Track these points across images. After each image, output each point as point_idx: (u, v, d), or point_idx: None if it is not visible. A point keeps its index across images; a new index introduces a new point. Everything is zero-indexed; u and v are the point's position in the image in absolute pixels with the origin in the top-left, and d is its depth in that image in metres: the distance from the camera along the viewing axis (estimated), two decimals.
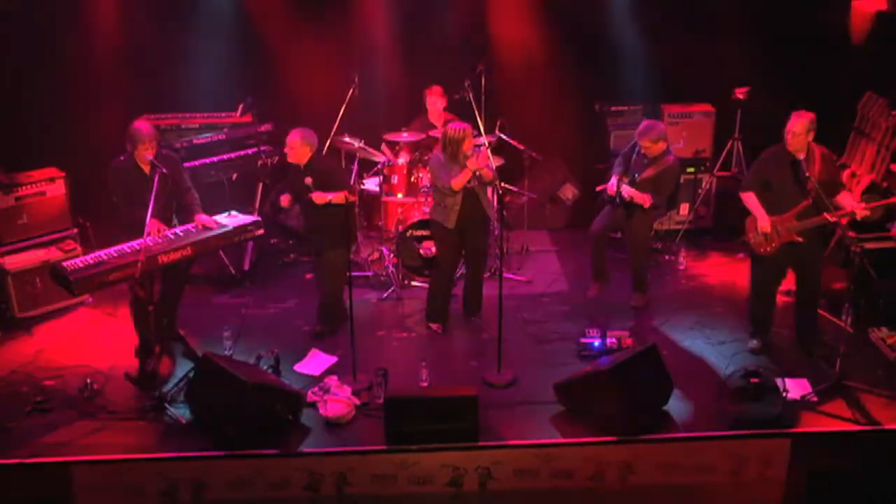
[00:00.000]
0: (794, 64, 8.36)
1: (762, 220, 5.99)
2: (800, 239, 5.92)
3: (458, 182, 6.34)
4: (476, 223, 6.55)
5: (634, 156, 6.81)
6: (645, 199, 6.59)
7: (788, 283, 6.54)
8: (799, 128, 5.80)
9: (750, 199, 6.08)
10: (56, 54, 8.13)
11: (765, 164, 6.03)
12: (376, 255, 7.84)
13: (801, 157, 5.80)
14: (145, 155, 5.90)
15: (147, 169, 5.96)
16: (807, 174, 5.75)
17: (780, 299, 6.73)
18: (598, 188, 6.94)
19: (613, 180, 6.78)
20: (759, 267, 6.19)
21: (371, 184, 7.86)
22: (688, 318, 6.88)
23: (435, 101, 7.96)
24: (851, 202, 5.89)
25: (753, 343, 6.33)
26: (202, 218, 6.12)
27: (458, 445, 5.33)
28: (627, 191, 6.64)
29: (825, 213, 5.79)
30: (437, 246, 6.79)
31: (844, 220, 5.86)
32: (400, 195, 7.64)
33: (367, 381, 5.90)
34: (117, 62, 8.23)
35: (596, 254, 7.09)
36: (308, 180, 6.21)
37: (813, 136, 5.88)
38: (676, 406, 5.66)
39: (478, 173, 6.33)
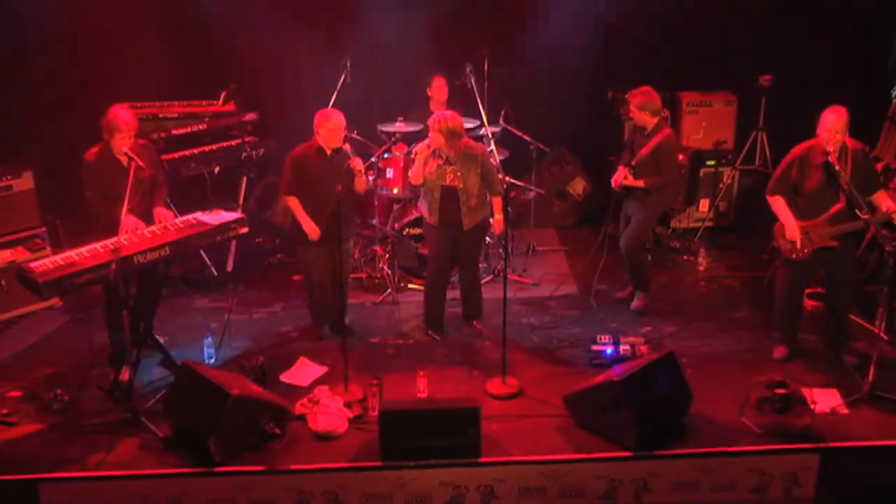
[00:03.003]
0: (822, 48, 8.36)
1: (791, 229, 5.96)
2: (834, 244, 5.92)
3: (413, 175, 6.46)
4: (461, 228, 6.53)
5: (635, 139, 6.86)
6: (638, 182, 6.65)
7: (816, 285, 6.52)
8: (839, 125, 5.74)
9: (777, 204, 6.05)
10: (22, 38, 8.13)
11: (793, 165, 5.99)
12: (370, 255, 7.84)
13: (833, 155, 5.76)
14: (124, 145, 5.88)
15: (125, 161, 5.95)
16: (838, 169, 5.73)
17: (808, 303, 6.73)
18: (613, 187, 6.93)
19: (620, 170, 6.81)
20: (788, 270, 6.17)
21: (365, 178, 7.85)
22: (708, 323, 6.88)
23: (438, 89, 7.96)
24: (889, 203, 5.86)
25: (779, 351, 6.32)
26: (160, 212, 6.10)
27: (458, 462, 5.32)
28: (620, 176, 6.72)
29: (860, 213, 5.76)
30: (427, 241, 6.83)
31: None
32: (396, 190, 7.64)
33: (361, 392, 5.89)
34: (88, 46, 8.22)
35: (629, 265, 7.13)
36: (347, 146, 6.24)
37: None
38: (695, 419, 5.65)
39: (435, 153, 6.38)
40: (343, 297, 6.53)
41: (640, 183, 6.69)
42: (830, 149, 5.74)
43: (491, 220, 6.72)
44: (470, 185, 6.42)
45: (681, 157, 8.10)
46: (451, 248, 6.64)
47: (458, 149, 6.36)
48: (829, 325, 6.34)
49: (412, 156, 6.45)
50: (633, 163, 6.72)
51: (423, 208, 6.65)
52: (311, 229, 6.26)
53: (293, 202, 6.30)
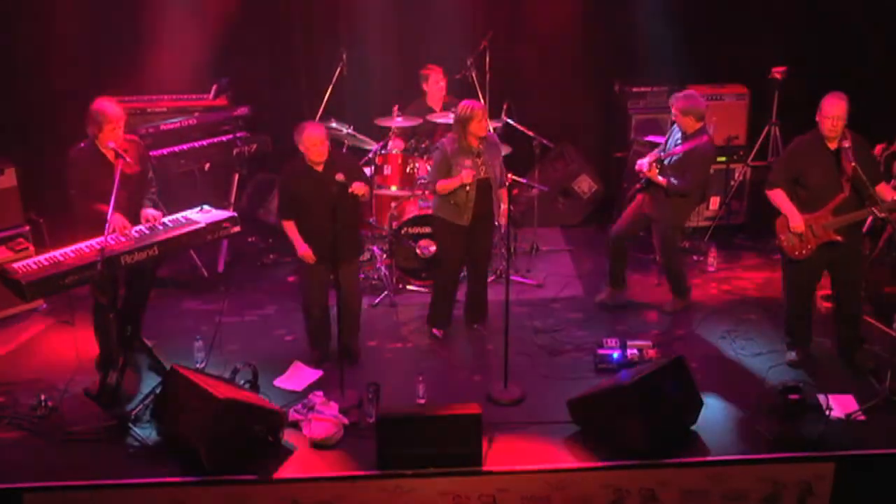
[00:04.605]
0: (836, 39, 8.35)
1: (794, 220, 5.97)
2: (839, 238, 5.92)
3: (444, 187, 6.39)
4: (484, 220, 6.57)
5: (671, 135, 6.88)
6: (661, 180, 6.65)
7: (826, 286, 6.53)
8: (842, 111, 5.77)
9: (778, 197, 6.06)
10: (4, 32, 8.12)
11: (795, 157, 6.02)
12: (367, 255, 7.84)
13: (847, 144, 5.78)
14: (111, 139, 5.87)
15: (111, 157, 5.94)
16: (853, 163, 5.73)
17: (823, 305, 6.74)
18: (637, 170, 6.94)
19: (647, 159, 6.81)
20: (795, 271, 6.17)
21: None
22: (718, 327, 6.88)
23: (436, 82, 7.97)
24: (893, 193, 5.88)
25: (792, 355, 6.32)
26: (148, 210, 6.10)
27: (459, 470, 5.32)
28: (641, 164, 6.72)
29: (875, 209, 5.77)
30: (441, 243, 6.79)
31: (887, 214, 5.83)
32: (394, 188, 7.65)
33: (357, 398, 5.90)
34: (73, 37, 8.21)
35: (614, 258, 7.13)
36: (340, 176, 5.87)
37: None
38: (706, 426, 5.65)
39: (468, 188, 6.36)
40: (350, 322, 6.36)
41: (663, 181, 6.65)
42: (833, 136, 5.77)
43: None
44: (497, 173, 6.48)
45: None
46: (465, 250, 6.63)
47: (486, 136, 6.42)
48: (842, 329, 6.33)
49: (466, 187, 6.33)
50: (662, 158, 6.72)
51: (445, 210, 6.54)
52: (305, 253, 6.15)
53: (288, 226, 6.18)
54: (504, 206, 6.52)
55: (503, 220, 6.57)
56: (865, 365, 6.18)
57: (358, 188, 6.03)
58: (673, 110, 6.75)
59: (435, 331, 6.81)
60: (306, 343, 6.56)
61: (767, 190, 6.12)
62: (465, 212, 6.46)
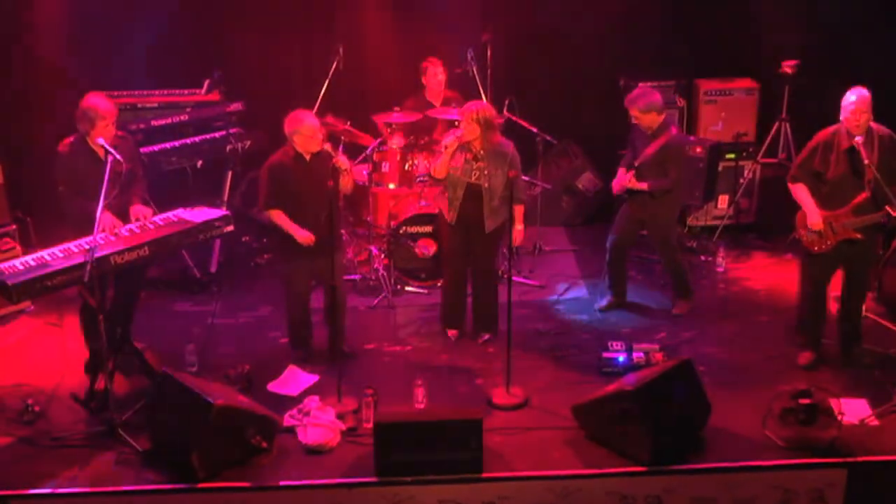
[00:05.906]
0: (849, 32, 8.34)
1: (813, 216, 6.00)
2: (858, 236, 5.93)
3: (437, 168, 6.38)
4: (477, 228, 6.52)
5: (637, 138, 6.87)
6: (641, 185, 6.67)
7: (839, 287, 6.53)
8: (865, 105, 5.79)
9: (799, 191, 6.09)
10: None
11: (817, 150, 6.03)
12: (364, 255, 7.84)
13: (859, 140, 5.79)
14: (102, 136, 5.85)
15: (101, 153, 5.93)
16: (865, 160, 5.74)
17: (834, 307, 6.73)
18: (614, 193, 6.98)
19: (620, 174, 6.81)
20: (812, 268, 6.19)
21: (358, 172, 7.84)
22: (727, 329, 6.89)
23: (434, 76, 7.96)
24: None
25: (803, 358, 6.33)
26: (138, 209, 6.09)
27: (459, 477, 5.31)
28: (621, 180, 6.73)
29: (888, 208, 5.77)
30: (439, 238, 6.78)
31: None
32: (392, 185, 7.63)
33: (354, 403, 5.89)
34: (61, 31, 8.21)
35: (612, 268, 7.15)
36: (328, 144, 6.07)
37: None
38: (714, 431, 5.65)
39: (463, 151, 6.32)
40: (339, 318, 6.39)
41: (644, 186, 6.68)
42: (856, 132, 5.79)
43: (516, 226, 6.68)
44: (496, 184, 6.39)
45: (699, 149, 8.09)
46: (463, 249, 6.61)
47: (491, 143, 6.35)
48: (844, 325, 6.36)
49: (443, 147, 6.31)
50: (636, 163, 6.71)
51: (440, 204, 6.60)
52: (305, 236, 6.10)
53: (277, 215, 6.16)
54: (519, 227, 6.49)
55: (516, 241, 6.57)
56: (863, 361, 6.22)
57: (341, 161, 6.04)
58: (633, 113, 6.72)
59: (447, 331, 6.82)
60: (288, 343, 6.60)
61: (790, 183, 6.16)
62: (452, 209, 6.47)
